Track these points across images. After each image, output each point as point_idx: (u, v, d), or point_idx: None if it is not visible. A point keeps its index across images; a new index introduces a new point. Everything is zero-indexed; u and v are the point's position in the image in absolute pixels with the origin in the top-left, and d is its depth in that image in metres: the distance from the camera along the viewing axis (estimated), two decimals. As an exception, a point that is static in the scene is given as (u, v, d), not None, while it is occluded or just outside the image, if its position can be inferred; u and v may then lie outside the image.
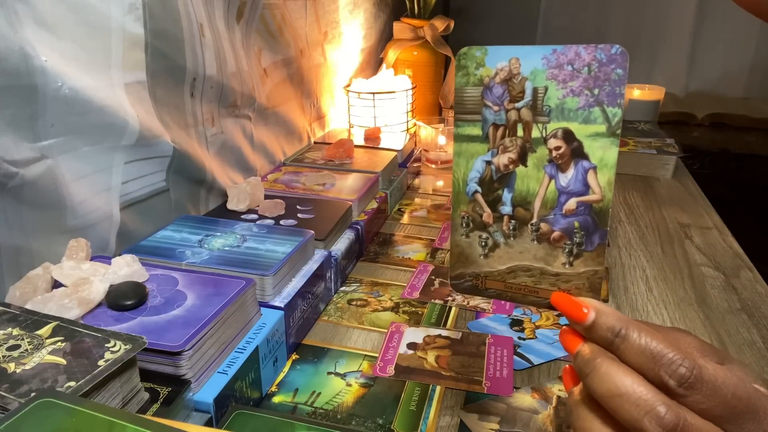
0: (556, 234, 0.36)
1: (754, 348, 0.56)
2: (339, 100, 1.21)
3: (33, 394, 0.30)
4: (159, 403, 0.39)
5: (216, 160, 0.76)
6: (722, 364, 0.28)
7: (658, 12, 1.67)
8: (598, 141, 0.34)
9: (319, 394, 0.49)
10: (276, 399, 0.49)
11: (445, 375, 0.52)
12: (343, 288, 0.67)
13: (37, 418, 0.28)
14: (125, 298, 0.45)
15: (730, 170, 1.45)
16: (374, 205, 0.81)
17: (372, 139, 1.05)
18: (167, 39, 0.61)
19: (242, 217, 0.69)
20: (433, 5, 1.30)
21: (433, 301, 0.64)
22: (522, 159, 0.36)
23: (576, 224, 0.35)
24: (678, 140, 1.14)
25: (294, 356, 0.55)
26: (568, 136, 0.35)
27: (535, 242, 0.37)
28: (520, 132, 0.36)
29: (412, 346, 0.56)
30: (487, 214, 0.38)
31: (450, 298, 0.65)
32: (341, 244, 0.68)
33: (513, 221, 0.37)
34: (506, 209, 0.37)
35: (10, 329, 0.37)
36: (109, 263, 0.49)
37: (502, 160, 0.36)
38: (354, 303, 0.64)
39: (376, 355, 0.55)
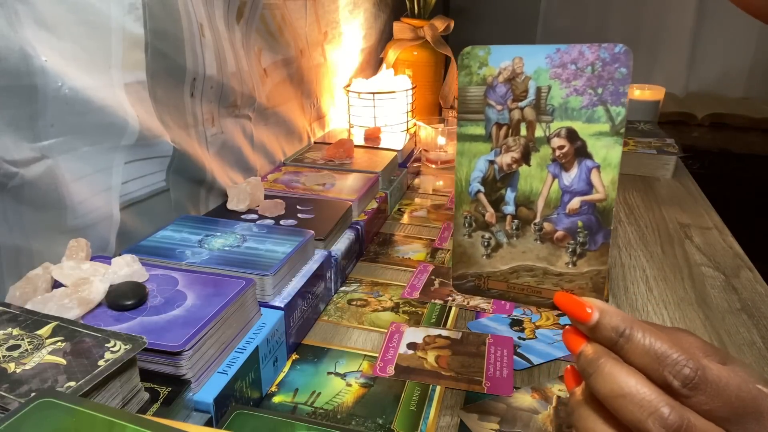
0: (559, 233, 0.36)
1: (754, 348, 0.56)
2: (339, 100, 1.21)
3: (33, 394, 0.30)
4: (159, 403, 0.39)
5: (216, 160, 0.76)
6: (724, 364, 0.28)
7: (658, 12, 1.67)
8: (602, 140, 0.34)
9: (319, 394, 0.49)
10: (276, 399, 0.49)
11: (445, 375, 0.52)
12: (343, 288, 0.67)
13: (37, 418, 0.28)
14: (125, 298, 0.45)
15: (730, 170, 1.45)
16: (374, 205, 0.81)
17: (372, 139, 1.05)
18: (167, 39, 0.61)
19: (242, 217, 0.69)
20: (433, 5, 1.30)
21: (433, 301, 0.64)
22: (525, 158, 0.36)
23: (579, 224, 0.35)
24: (678, 140, 1.14)
25: (294, 356, 0.55)
26: (571, 135, 0.34)
27: (538, 242, 0.37)
28: (523, 131, 0.36)
29: (412, 346, 0.56)
30: (490, 214, 0.38)
31: (450, 298, 0.65)
32: (341, 244, 0.68)
33: (516, 221, 0.37)
34: (509, 209, 0.37)
35: (10, 329, 0.37)
36: (109, 263, 0.49)
37: (505, 159, 0.36)
38: (354, 303, 0.64)
39: (376, 355, 0.55)
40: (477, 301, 0.64)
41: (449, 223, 0.85)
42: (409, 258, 0.75)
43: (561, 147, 0.35)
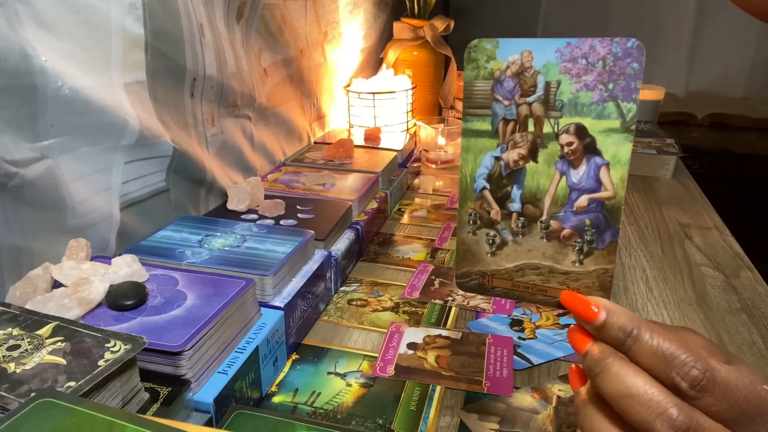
0: (566, 231, 0.35)
1: (754, 348, 0.56)
2: (339, 100, 1.21)
3: (33, 394, 0.30)
4: (159, 403, 0.39)
5: (216, 160, 0.76)
6: (729, 364, 0.28)
7: (658, 12, 1.67)
8: (612, 137, 0.33)
9: (319, 394, 0.49)
10: (276, 399, 0.49)
11: (445, 375, 0.52)
12: (343, 288, 0.67)
13: (37, 418, 0.28)
14: (125, 298, 0.45)
15: (730, 170, 1.45)
16: (374, 205, 0.81)
17: (372, 139, 1.05)
18: (167, 39, 0.61)
19: (242, 217, 0.69)
20: (433, 5, 1.30)
21: (433, 301, 0.64)
22: (532, 155, 0.35)
23: (587, 222, 0.35)
24: (678, 140, 1.14)
25: (294, 356, 0.55)
26: (580, 131, 0.34)
27: (545, 240, 0.36)
28: (531, 127, 0.35)
29: (412, 346, 0.56)
30: (495, 211, 0.37)
31: (450, 298, 0.65)
32: (341, 244, 0.68)
33: (522, 218, 0.36)
34: (515, 206, 0.36)
35: (10, 329, 0.37)
36: (109, 263, 0.49)
37: (512, 156, 0.35)
38: (354, 303, 0.64)
39: (376, 355, 0.55)
40: (477, 301, 0.64)
41: (449, 223, 0.85)
42: (409, 258, 0.75)
43: (570, 143, 0.34)
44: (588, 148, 0.34)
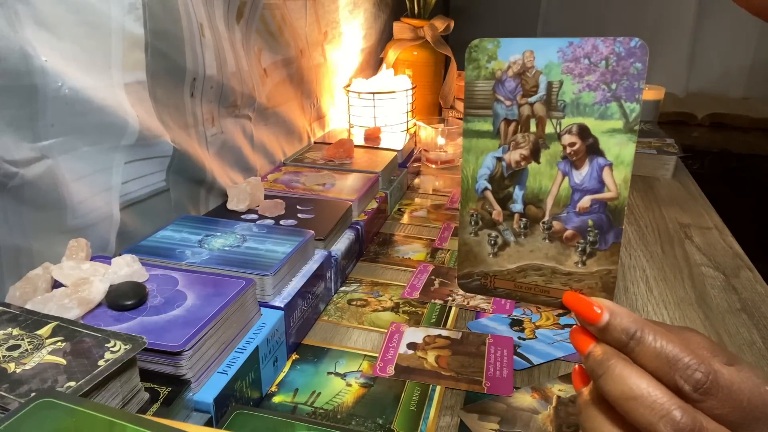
0: (568, 232, 0.35)
1: (754, 348, 0.56)
2: (339, 100, 1.21)
3: (33, 394, 0.30)
4: (159, 403, 0.39)
5: (216, 160, 0.76)
6: (732, 365, 0.28)
7: (658, 12, 1.67)
8: (615, 137, 0.33)
9: (319, 394, 0.49)
10: (276, 399, 0.49)
11: (445, 375, 0.52)
12: (343, 288, 0.67)
13: (37, 418, 0.28)
14: (125, 298, 0.45)
15: (730, 170, 1.45)
16: (374, 205, 0.81)
17: (372, 139, 1.05)
18: (167, 39, 0.61)
19: (242, 217, 0.69)
20: (433, 5, 1.30)
21: (433, 301, 0.64)
22: (534, 155, 0.35)
23: (590, 222, 0.34)
24: (678, 140, 1.14)
25: (294, 356, 0.55)
26: (583, 132, 0.33)
27: (547, 241, 0.36)
28: (533, 127, 0.34)
29: (412, 346, 0.56)
30: (497, 212, 0.37)
31: (450, 298, 0.65)
32: (341, 244, 0.68)
33: (524, 219, 0.36)
34: (517, 207, 0.36)
35: (10, 329, 0.37)
36: (109, 263, 0.49)
37: (514, 156, 0.35)
38: (354, 303, 0.64)
39: (376, 355, 0.55)
40: (477, 301, 0.64)
41: (449, 223, 0.85)
42: (409, 258, 0.75)
43: (572, 144, 0.34)
44: (591, 148, 0.33)
